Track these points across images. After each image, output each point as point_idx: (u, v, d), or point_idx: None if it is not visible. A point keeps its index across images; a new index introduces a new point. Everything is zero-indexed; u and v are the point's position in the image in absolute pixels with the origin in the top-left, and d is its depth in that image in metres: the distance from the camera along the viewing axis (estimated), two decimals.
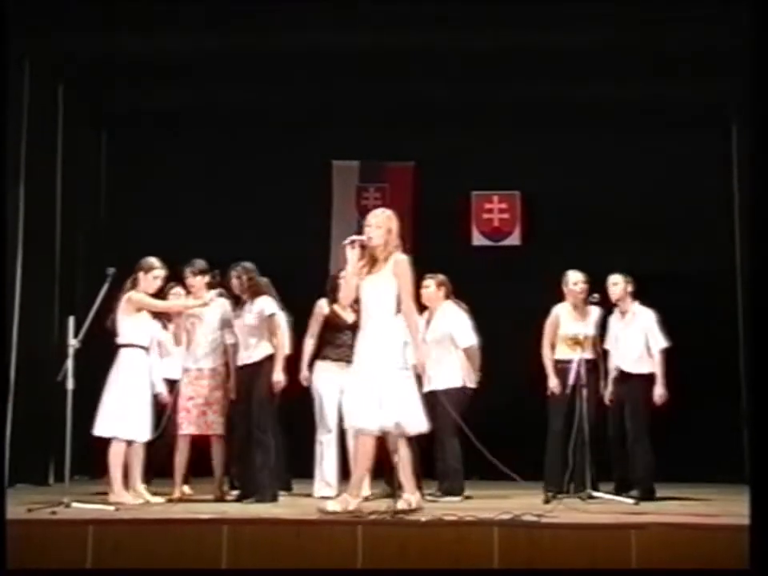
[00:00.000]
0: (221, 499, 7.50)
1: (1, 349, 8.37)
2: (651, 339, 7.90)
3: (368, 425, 6.30)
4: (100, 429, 7.26)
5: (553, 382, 7.98)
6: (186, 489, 7.80)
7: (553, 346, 8.09)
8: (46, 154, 9.36)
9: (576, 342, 7.93)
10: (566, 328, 8.05)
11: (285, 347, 7.54)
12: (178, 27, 8.70)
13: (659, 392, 7.83)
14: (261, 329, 7.47)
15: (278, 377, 7.41)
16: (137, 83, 9.90)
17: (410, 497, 6.35)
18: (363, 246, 6.42)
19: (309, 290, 8.19)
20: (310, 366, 8.02)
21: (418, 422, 6.39)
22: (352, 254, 6.40)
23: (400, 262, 6.38)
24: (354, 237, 6.51)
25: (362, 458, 6.41)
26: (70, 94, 9.71)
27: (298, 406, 8.02)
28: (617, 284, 7.97)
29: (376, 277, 6.39)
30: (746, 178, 5.37)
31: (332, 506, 6.26)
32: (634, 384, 7.86)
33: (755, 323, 5.30)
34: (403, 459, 6.34)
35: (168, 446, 7.75)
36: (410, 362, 6.46)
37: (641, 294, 8.04)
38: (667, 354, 7.89)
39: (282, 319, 7.61)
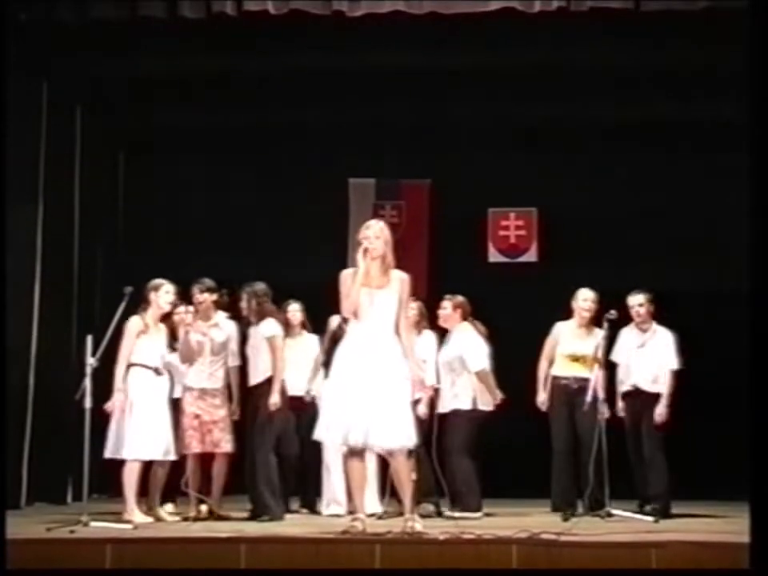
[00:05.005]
0: (222, 518, 7.46)
1: (20, 367, 8.43)
2: (666, 359, 7.82)
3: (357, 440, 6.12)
4: (112, 451, 7.25)
5: (541, 398, 7.98)
6: (204, 508, 7.77)
7: (552, 362, 8.05)
8: (65, 174, 9.39)
9: (574, 358, 7.91)
10: (565, 346, 7.99)
11: (282, 370, 7.56)
12: (194, 49, 8.74)
13: (660, 411, 7.74)
14: (264, 351, 7.52)
15: (274, 399, 7.40)
16: (154, 104, 9.95)
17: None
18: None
19: (324, 309, 8.18)
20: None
21: (406, 437, 6.15)
22: (363, 263, 6.18)
23: (406, 281, 6.25)
24: None
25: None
26: (87, 115, 9.75)
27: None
28: (642, 305, 7.85)
29: (381, 291, 6.20)
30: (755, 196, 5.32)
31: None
32: (651, 402, 7.78)
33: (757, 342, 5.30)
34: (400, 476, 6.20)
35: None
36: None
37: (658, 312, 7.99)
38: (677, 375, 7.81)
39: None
